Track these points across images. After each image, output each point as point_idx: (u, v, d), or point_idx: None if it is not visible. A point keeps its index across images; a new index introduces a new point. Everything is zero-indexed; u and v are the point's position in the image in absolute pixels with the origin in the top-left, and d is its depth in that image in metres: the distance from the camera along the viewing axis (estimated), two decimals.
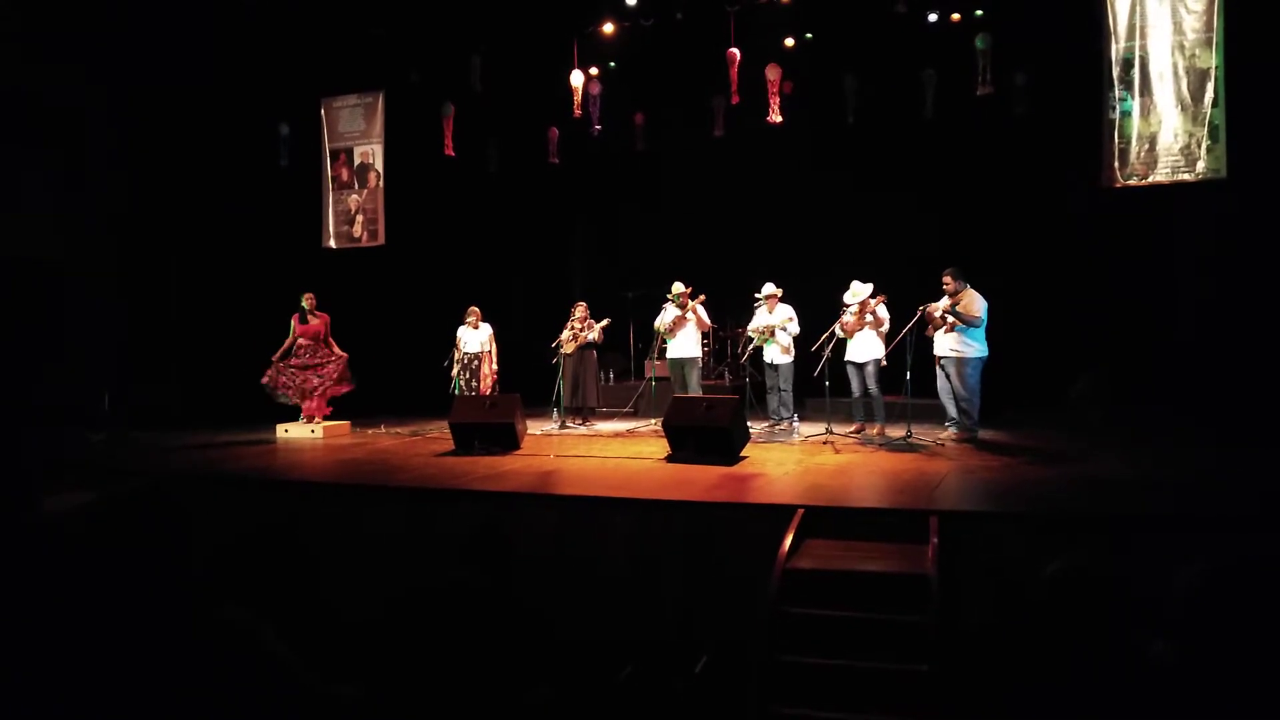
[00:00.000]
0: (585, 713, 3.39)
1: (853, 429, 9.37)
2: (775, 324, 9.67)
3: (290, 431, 10.19)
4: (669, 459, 7.95)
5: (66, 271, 11.20)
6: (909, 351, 8.59)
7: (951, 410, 8.76)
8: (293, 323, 10.37)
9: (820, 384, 9.24)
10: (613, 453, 8.57)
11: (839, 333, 9.21)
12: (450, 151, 11.40)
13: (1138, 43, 8.41)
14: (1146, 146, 8.33)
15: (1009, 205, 11.36)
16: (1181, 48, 8.23)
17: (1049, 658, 2.31)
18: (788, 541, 5.33)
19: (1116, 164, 8.45)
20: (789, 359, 9.70)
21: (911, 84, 10.27)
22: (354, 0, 10.66)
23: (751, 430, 8.55)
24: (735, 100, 10.08)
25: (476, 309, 10.94)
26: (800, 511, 5.70)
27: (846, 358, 9.25)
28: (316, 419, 10.35)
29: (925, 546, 5.20)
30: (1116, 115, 8.46)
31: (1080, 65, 8.86)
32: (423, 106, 11.51)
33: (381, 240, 11.78)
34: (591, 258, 15.29)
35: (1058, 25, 9.19)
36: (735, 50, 9.91)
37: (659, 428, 8.99)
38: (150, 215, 11.92)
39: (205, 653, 1.97)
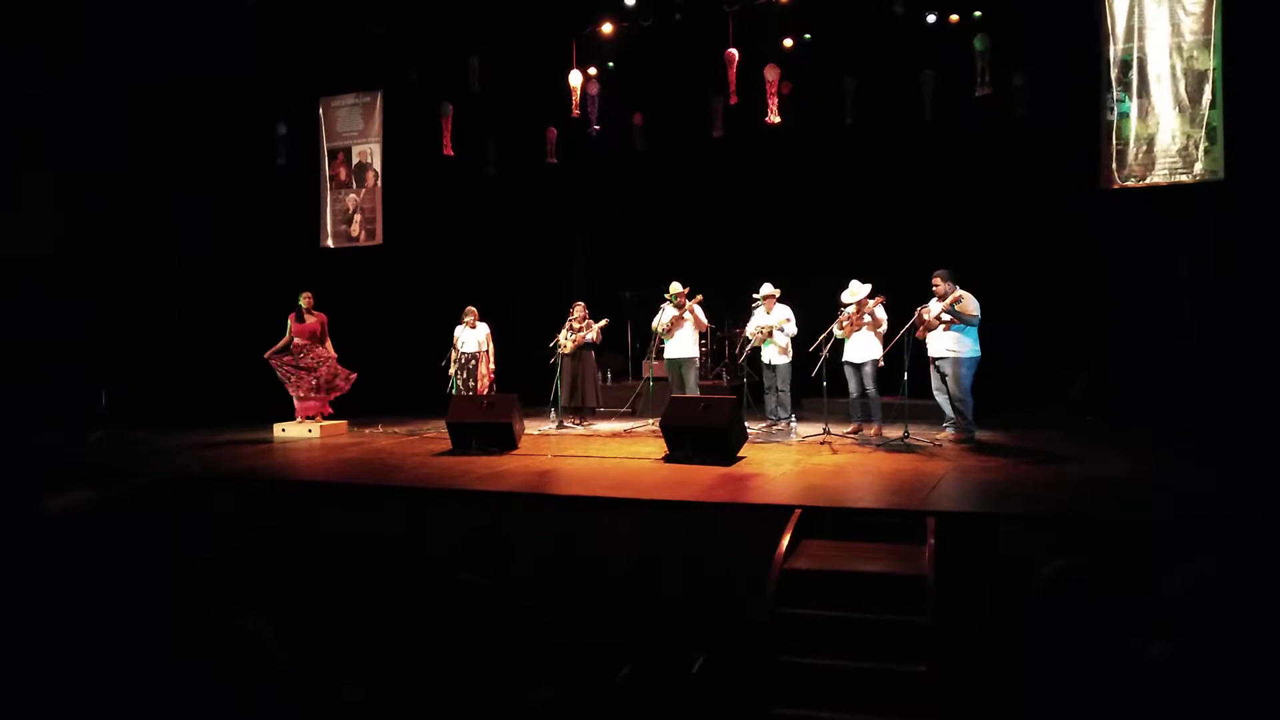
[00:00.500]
0: (583, 713, 3.40)
1: (850, 429, 9.38)
2: (773, 324, 9.68)
3: (287, 431, 10.18)
4: (667, 459, 7.96)
5: (66, 271, 11.19)
6: (906, 352, 8.59)
7: (948, 410, 8.77)
8: (289, 321, 10.36)
9: (818, 384, 9.25)
10: (610, 453, 8.57)
11: (837, 333, 9.22)
12: (449, 151, 11.40)
13: (1136, 44, 8.42)
14: (1144, 148, 8.34)
15: (1007, 206, 11.39)
16: (1179, 49, 8.24)
17: (1046, 659, 2.31)
18: (785, 542, 5.33)
19: (1114, 165, 8.46)
20: (786, 359, 9.71)
21: (910, 85, 10.29)
22: (353, 0, 10.65)
23: (749, 430, 8.56)
24: (734, 101, 10.09)
25: (473, 308, 10.94)
26: (798, 512, 5.71)
27: (844, 358, 9.26)
28: (317, 419, 10.34)
29: (922, 547, 5.21)
30: (1114, 117, 8.48)
31: (1078, 67, 8.88)
32: (421, 106, 11.51)
33: (379, 240, 11.78)
34: (589, 258, 15.30)
35: (1056, 27, 9.21)
36: (734, 51, 9.92)
37: (657, 428, 9.00)
38: (149, 215, 11.91)
39: (205, 653, 1.97)
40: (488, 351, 10.98)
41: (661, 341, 10.56)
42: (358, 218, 11.89)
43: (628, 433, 10.12)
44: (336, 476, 7.75)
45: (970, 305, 8.53)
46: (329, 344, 10.49)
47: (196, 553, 2.18)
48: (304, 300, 10.37)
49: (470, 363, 10.87)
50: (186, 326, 12.05)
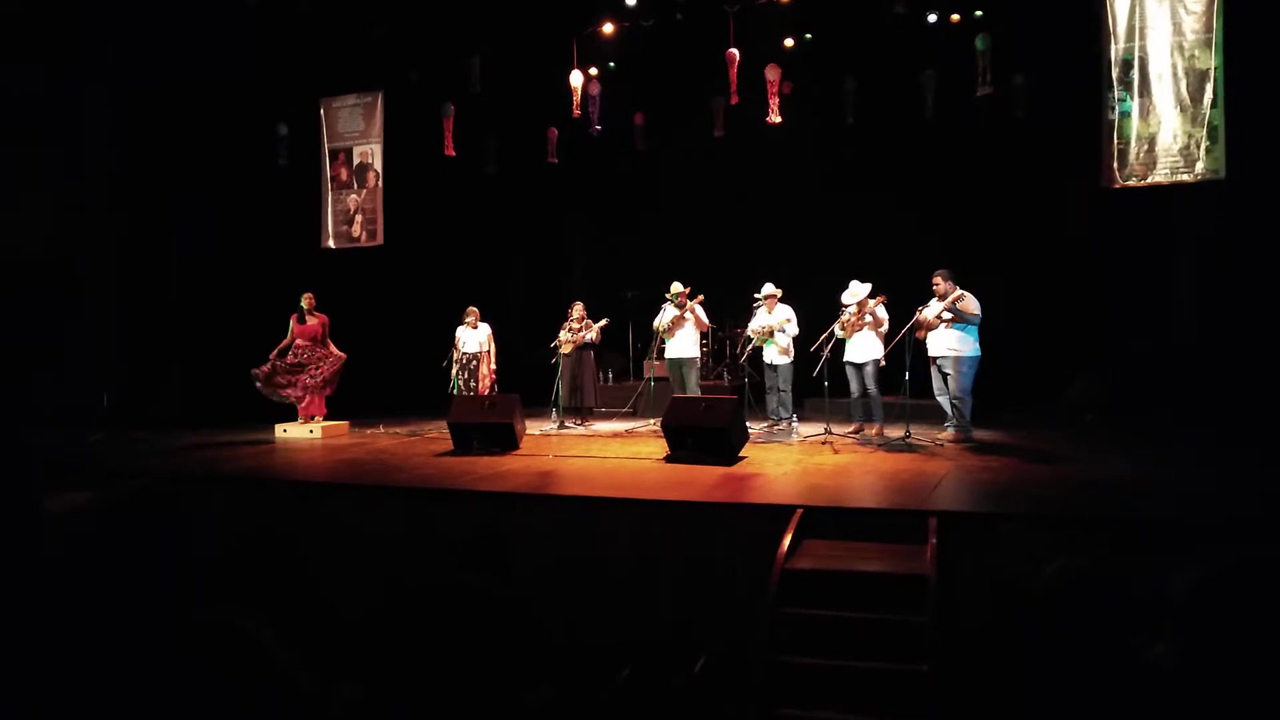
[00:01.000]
0: (584, 713, 3.39)
1: (851, 429, 9.37)
2: (774, 324, 9.67)
3: (289, 432, 10.18)
4: (668, 459, 7.95)
5: (66, 271, 11.19)
6: (908, 352, 8.59)
7: (949, 410, 8.77)
8: (291, 322, 10.36)
9: (819, 384, 9.24)
10: (612, 453, 8.57)
11: (838, 333, 9.22)
12: (451, 151, 11.40)
13: (1137, 43, 8.41)
14: (1146, 147, 8.33)
15: (1008, 205, 11.38)
16: (1181, 48, 8.23)
17: (1046, 659, 2.31)
18: (786, 542, 5.33)
19: (1116, 164, 8.45)
20: (788, 359, 9.71)
21: (911, 85, 10.29)
22: (353, 0, 10.65)
23: (750, 430, 8.55)
24: (735, 101, 10.08)
25: (475, 309, 10.94)
26: (799, 512, 5.70)
27: (845, 358, 9.26)
28: (317, 419, 10.35)
29: (924, 547, 5.20)
30: (1116, 116, 8.47)
31: (1080, 66, 8.87)
32: (422, 106, 11.52)
33: (380, 240, 11.78)
34: (590, 258, 15.30)
35: (1057, 26, 9.21)
36: (735, 51, 9.91)
37: (658, 428, 8.99)
38: (150, 215, 11.92)
39: (204, 653, 1.97)
40: (489, 352, 10.98)
41: (662, 341, 10.55)
42: (359, 218, 11.89)
43: (629, 433, 10.12)
44: (338, 477, 7.76)
45: (971, 304, 8.52)
46: (331, 345, 10.48)
47: (197, 553, 2.17)
48: (305, 301, 10.37)
49: (471, 363, 10.88)
50: (187, 327, 12.06)
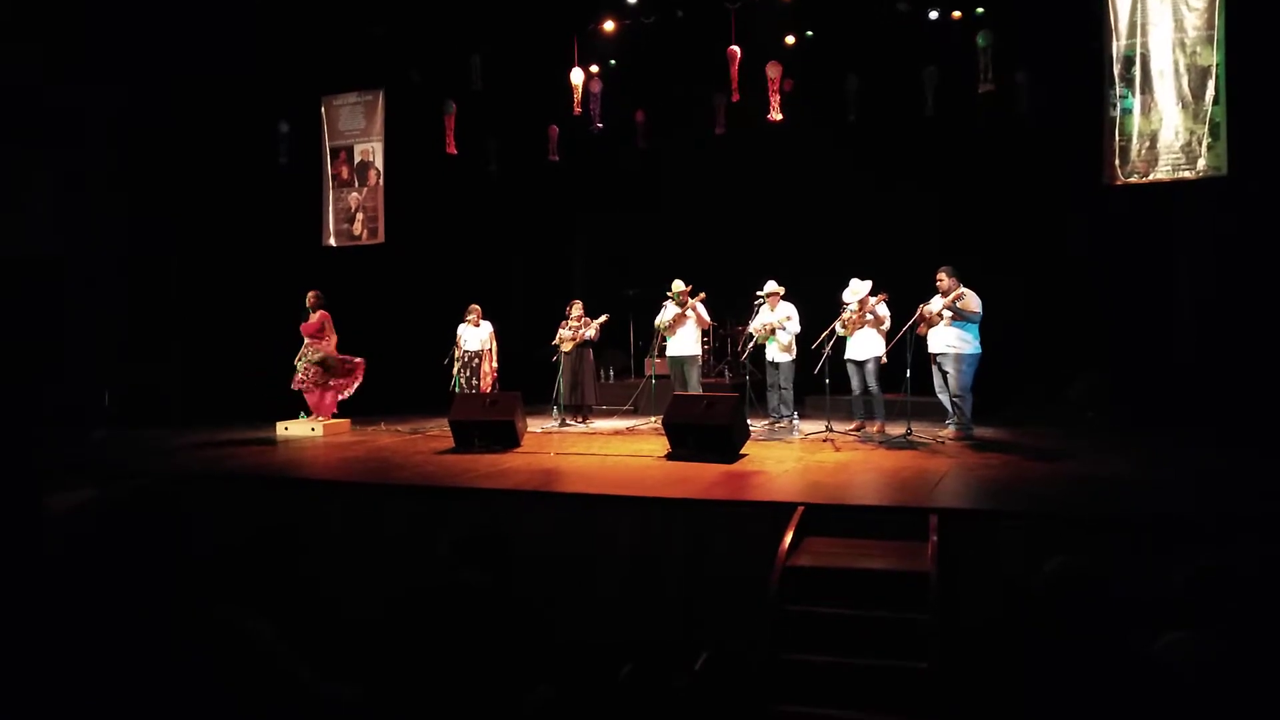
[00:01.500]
0: (585, 712, 3.40)
1: (852, 427, 9.37)
2: (775, 322, 9.67)
3: (290, 430, 10.19)
4: (669, 457, 7.96)
5: (67, 270, 11.19)
6: (909, 349, 8.59)
7: (950, 408, 8.77)
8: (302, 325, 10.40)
9: (820, 382, 9.24)
10: (613, 450, 8.57)
11: (839, 330, 9.21)
12: (452, 150, 11.40)
13: (1139, 40, 8.40)
14: (1147, 144, 8.32)
15: (1010, 203, 11.37)
16: (1182, 45, 8.22)
17: (1046, 655, 2.31)
18: (788, 539, 5.33)
19: (1117, 161, 8.44)
20: (790, 357, 9.71)
21: (912, 82, 10.27)
22: None
23: (751, 428, 8.55)
24: (736, 98, 10.07)
25: (477, 307, 10.94)
26: (800, 509, 5.70)
27: (846, 356, 9.26)
28: (327, 416, 10.35)
29: (925, 544, 5.20)
30: (1117, 113, 8.45)
31: (1081, 63, 8.86)
32: (423, 104, 11.51)
33: (381, 238, 11.78)
34: (592, 255, 15.29)
35: (1059, 23, 9.20)
36: (736, 48, 9.90)
37: (659, 425, 9.00)
38: (151, 214, 11.92)
39: (205, 652, 1.97)
40: (491, 350, 10.98)
41: (664, 339, 10.56)
42: (360, 216, 11.90)
43: (630, 430, 10.12)
44: (339, 475, 7.76)
45: (972, 302, 8.52)
46: (332, 340, 10.45)
47: (198, 552, 2.18)
48: (308, 299, 10.37)
49: (473, 361, 10.88)
50: (188, 325, 12.06)
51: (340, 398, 10.49)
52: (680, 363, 10.34)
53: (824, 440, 8.89)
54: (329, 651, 2.43)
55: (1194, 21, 8.19)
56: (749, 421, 8.51)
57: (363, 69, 11.64)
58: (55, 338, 10.96)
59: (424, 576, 3.03)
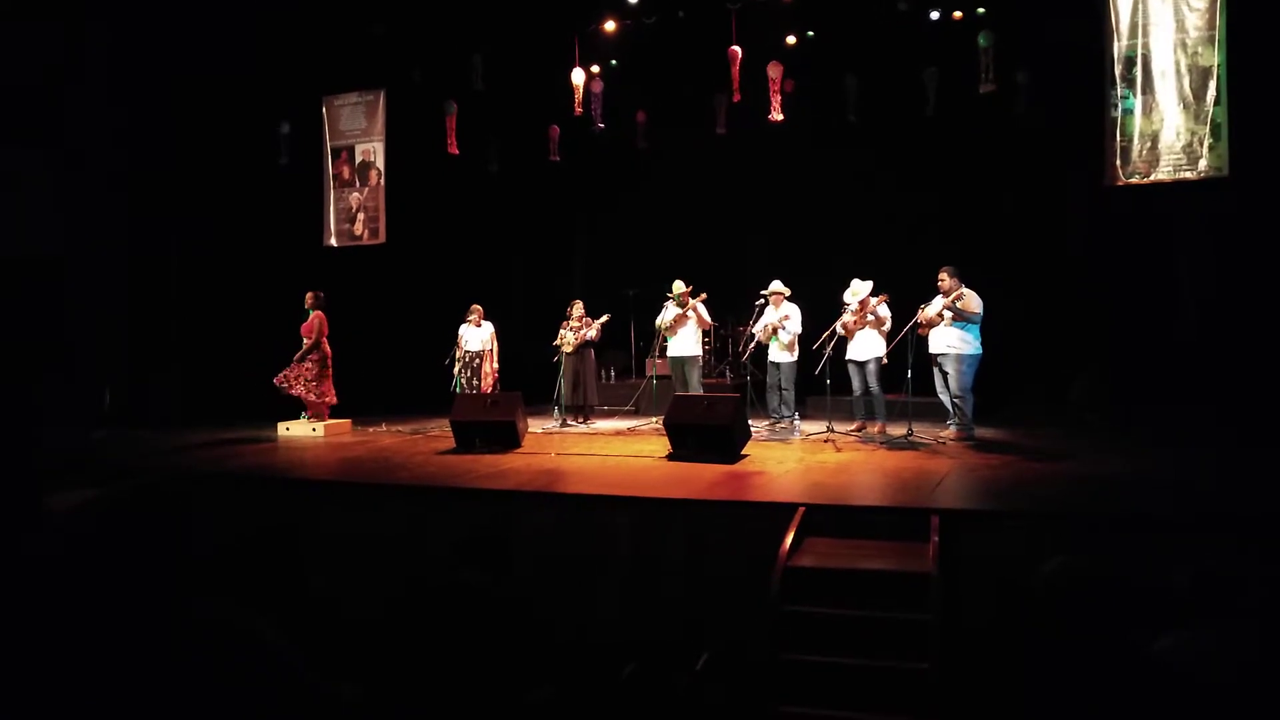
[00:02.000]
0: (586, 711, 3.40)
1: (854, 427, 9.36)
2: (774, 321, 9.67)
3: (291, 430, 10.19)
4: (670, 457, 7.95)
5: (68, 270, 11.20)
6: (910, 350, 8.59)
7: (951, 408, 8.76)
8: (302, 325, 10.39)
9: (821, 382, 9.24)
10: (614, 451, 8.57)
11: (840, 331, 9.21)
12: (454, 150, 11.40)
13: (1140, 40, 8.40)
14: (1149, 144, 8.32)
15: (1011, 203, 11.37)
16: (1184, 45, 8.22)
17: (1047, 656, 2.31)
18: (789, 540, 5.33)
19: (1118, 162, 8.44)
20: (791, 357, 9.70)
21: (913, 82, 10.28)
22: None
23: (752, 428, 8.55)
24: (736, 98, 10.08)
25: (479, 307, 10.94)
26: (801, 510, 5.70)
27: (847, 356, 9.25)
28: (324, 416, 10.35)
29: (926, 545, 5.20)
30: (1119, 113, 8.46)
31: (1082, 63, 8.86)
32: (424, 104, 11.52)
33: (383, 238, 11.79)
34: (593, 256, 15.28)
35: (1060, 23, 9.20)
36: (736, 48, 9.90)
37: (660, 426, 8.99)
38: (151, 214, 11.93)
39: (206, 651, 1.97)
40: (492, 350, 10.98)
41: (665, 340, 10.55)
42: (361, 216, 11.90)
43: (631, 431, 10.12)
44: (340, 475, 7.77)
45: (972, 302, 8.51)
46: (325, 343, 10.41)
47: (198, 551, 2.17)
48: (306, 300, 10.36)
49: (474, 361, 10.88)
50: (189, 325, 12.07)
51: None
52: (681, 363, 10.34)
53: (825, 441, 8.89)
54: (329, 651, 2.43)
55: (1195, 22, 8.19)
56: (750, 422, 8.50)
57: (364, 69, 11.66)
58: (55, 338, 10.96)
59: (424, 576, 3.03)
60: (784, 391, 9.81)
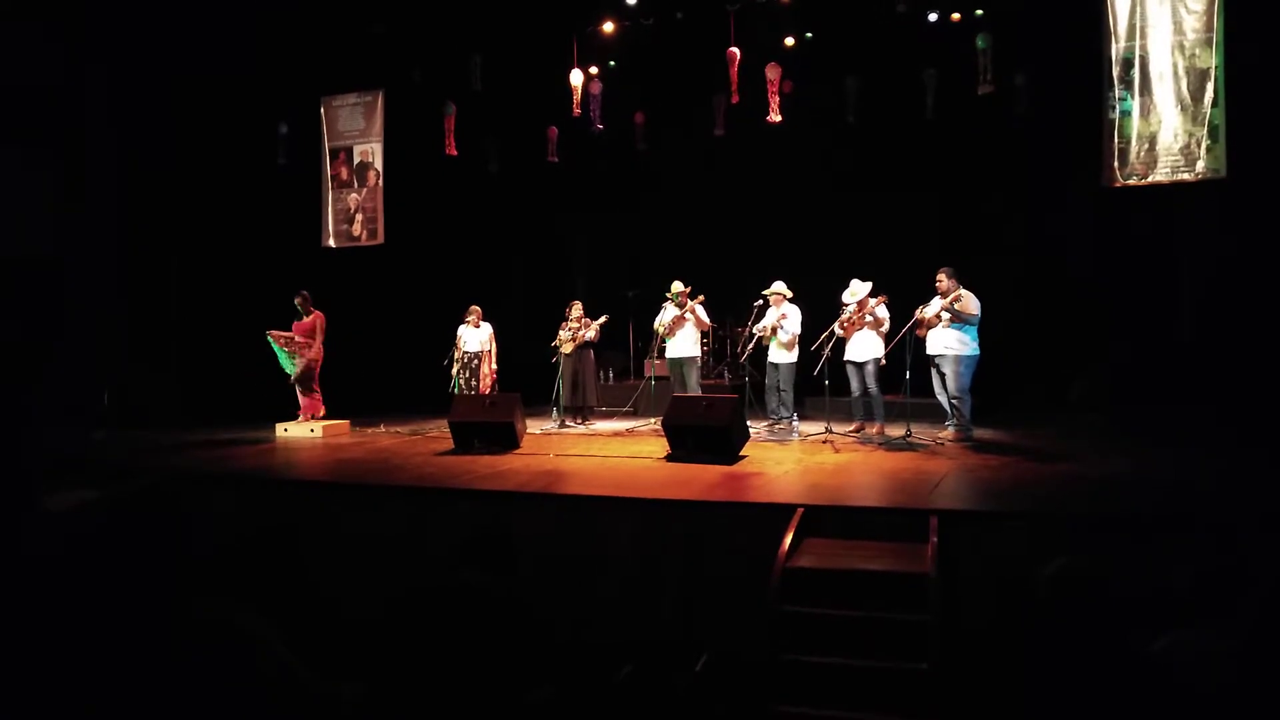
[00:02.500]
0: (585, 712, 3.40)
1: (852, 428, 9.37)
2: (773, 321, 9.67)
3: (289, 431, 10.18)
4: (668, 458, 7.95)
5: (67, 270, 11.19)
6: (908, 351, 8.59)
7: (949, 409, 8.77)
8: (294, 322, 10.37)
9: (820, 383, 9.24)
10: (612, 452, 8.57)
11: (838, 332, 9.21)
12: (452, 150, 11.40)
13: (1138, 42, 8.41)
14: (1146, 146, 8.33)
15: (1009, 204, 11.38)
16: (1181, 47, 8.23)
17: (1048, 657, 2.31)
18: (787, 540, 5.33)
19: (1116, 163, 8.45)
20: (790, 358, 9.69)
21: (912, 83, 10.28)
22: None
23: (751, 429, 8.55)
24: (735, 99, 10.08)
25: (477, 308, 10.94)
26: (800, 510, 5.70)
27: (846, 357, 9.25)
28: (318, 415, 10.35)
29: (925, 545, 5.20)
30: (1116, 115, 8.47)
31: (1080, 65, 8.87)
32: (422, 105, 11.51)
33: (381, 239, 11.78)
34: (591, 256, 15.28)
35: (1058, 25, 9.21)
36: (735, 49, 9.91)
37: (658, 427, 8.99)
38: (150, 214, 11.92)
39: (206, 651, 1.97)
40: (490, 351, 10.98)
41: (663, 341, 10.55)
42: (359, 217, 11.90)
43: (629, 432, 10.12)
44: (339, 476, 7.76)
45: (970, 304, 8.52)
46: (318, 343, 10.40)
47: (198, 552, 2.17)
48: (298, 301, 10.35)
49: (473, 362, 10.87)
50: (187, 325, 12.06)
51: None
52: (679, 364, 10.33)
53: (823, 442, 8.89)
54: (330, 650, 2.43)
55: (1193, 24, 8.20)
56: (748, 423, 8.50)
57: (362, 69, 11.65)
58: (54, 338, 10.95)
59: (424, 576, 3.03)
60: (782, 392, 9.81)
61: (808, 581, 5.09)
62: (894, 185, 11.89)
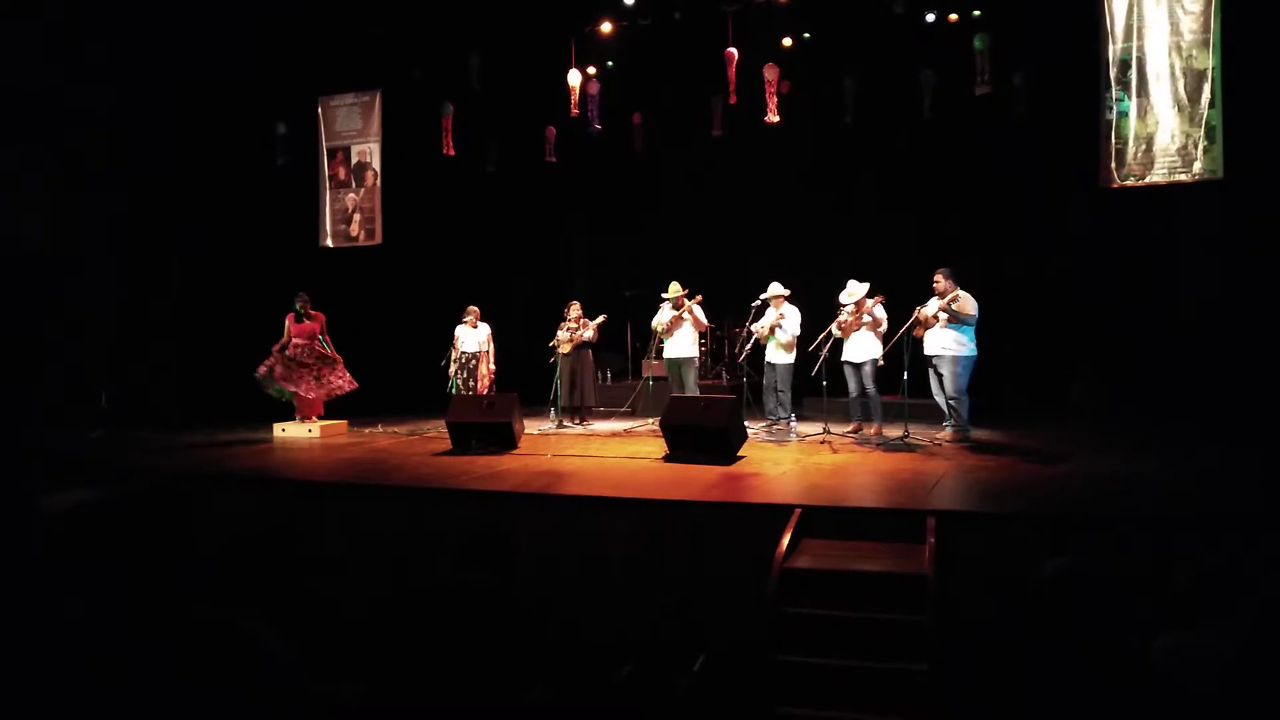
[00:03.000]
0: (584, 712, 3.40)
1: (850, 429, 9.37)
2: (771, 321, 9.67)
3: (287, 431, 10.17)
4: (666, 458, 7.96)
5: (65, 270, 11.18)
6: (906, 352, 8.60)
7: (947, 410, 8.78)
8: (287, 322, 10.35)
9: (817, 384, 9.25)
10: (610, 452, 8.57)
11: (835, 333, 9.22)
12: (450, 151, 11.39)
13: (1135, 43, 8.42)
14: (1143, 147, 8.34)
15: (1007, 205, 11.39)
16: (1178, 48, 8.24)
17: (1046, 657, 2.31)
18: (785, 541, 5.33)
19: (1114, 164, 8.46)
20: (788, 359, 9.69)
21: (909, 84, 10.29)
22: None
23: (749, 430, 8.55)
24: (733, 100, 10.09)
25: (475, 308, 10.94)
26: (798, 511, 5.71)
27: (843, 358, 9.25)
28: (312, 418, 10.35)
29: (922, 546, 5.21)
30: (1114, 116, 8.48)
31: (1078, 66, 8.88)
32: (420, 105, 11.51)
33: (379, 239, 11.78)
34: (589, 257, 15.29)
35: (1055, 26, 9.22)
36: (733, 50, 9.92)
37: (656, 427, 9.00)
38: (148, 214, 11.90)
39: (204, 652, 1.97)
40: (488, 351, 10.98)
41: (661, 341, 10.55)
42: (357, 217, 11.89)
43: (627, 432, 10.12)
44: (336, 476, 7.76)
45: (968, 305, 8.53)
46: (330, 347, 10.45)
47: (196, 552, 2.17)
48: (299, 301, 10.35)
49: (470, 362, 10.87)
50: (186, 325, 12.05)
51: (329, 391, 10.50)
52: (677, 364, 10.33)
53: (821, 442, 8.89)
54: (328, 650, 2.43)
55: (1190, 25, 8.21)
56: (746, 423, 8.51)
57: (360, 69, 11.65)
58: (53, 336, 10.94)
59: (422, 577, 3.03)
60: (780, 393, 9.81)
61: (805, 582, 5.10)
62: (892, 185, 11.90)
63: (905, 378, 8.66)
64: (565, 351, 10.71)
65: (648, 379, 11.51)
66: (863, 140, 11.37)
